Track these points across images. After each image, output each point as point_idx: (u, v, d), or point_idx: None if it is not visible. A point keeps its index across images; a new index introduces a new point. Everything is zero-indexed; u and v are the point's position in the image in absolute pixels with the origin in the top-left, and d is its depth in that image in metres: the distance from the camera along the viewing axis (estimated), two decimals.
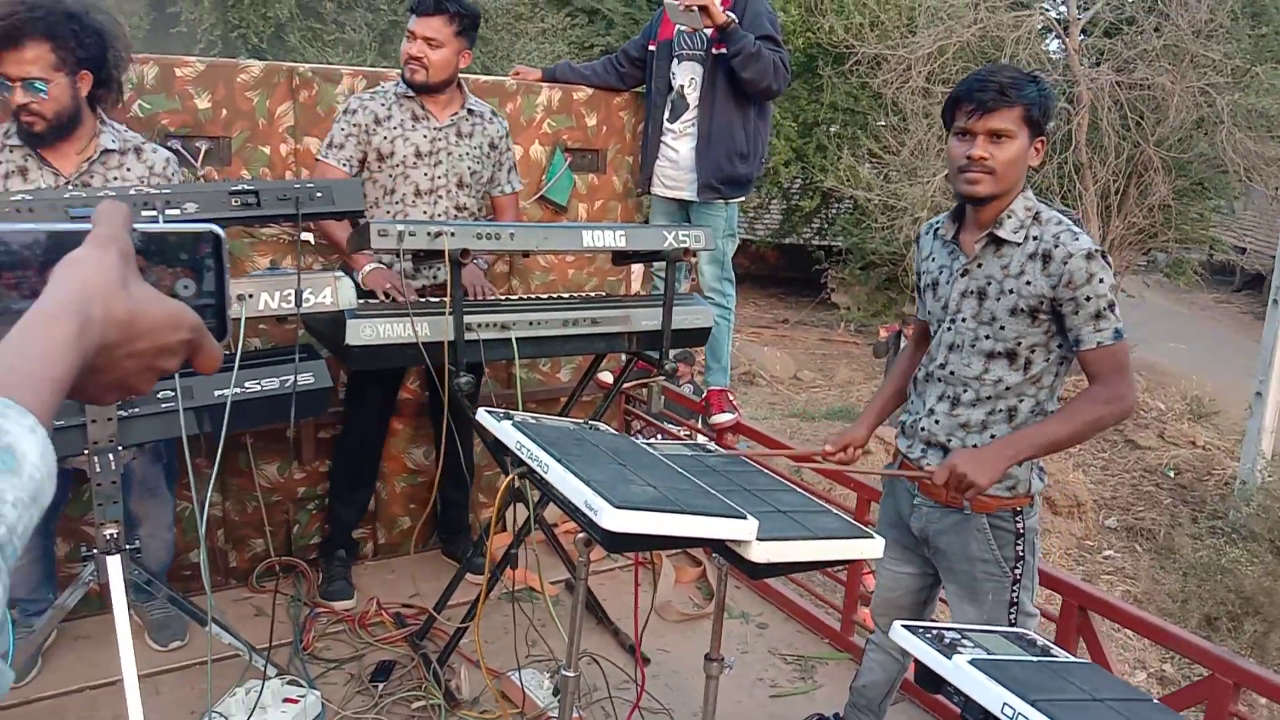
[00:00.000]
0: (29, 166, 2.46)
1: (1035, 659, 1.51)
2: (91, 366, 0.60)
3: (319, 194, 2.03)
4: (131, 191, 1.89)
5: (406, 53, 2.98)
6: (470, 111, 3.14)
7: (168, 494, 2.84)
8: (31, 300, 0.60)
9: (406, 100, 3.05)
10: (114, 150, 2.54)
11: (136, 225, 0.69)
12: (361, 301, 2.50)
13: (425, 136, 3.06)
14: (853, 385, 12.47)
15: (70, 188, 2.43)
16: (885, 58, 11.37)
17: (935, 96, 10.87)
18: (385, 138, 3.02)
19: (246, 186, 1.98)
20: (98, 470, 2.11)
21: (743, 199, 3.75)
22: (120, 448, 2.12)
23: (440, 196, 3.09)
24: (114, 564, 2.12)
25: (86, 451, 2.08)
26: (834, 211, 15.95)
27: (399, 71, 3.11)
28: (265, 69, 3.16)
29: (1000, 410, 2.14)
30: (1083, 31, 11.46)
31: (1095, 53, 11.35)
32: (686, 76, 3.59)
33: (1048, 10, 12.03)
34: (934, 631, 1.50)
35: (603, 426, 2.19)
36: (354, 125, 3.01)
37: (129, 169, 2.56)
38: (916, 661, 1.47)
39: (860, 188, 12.16)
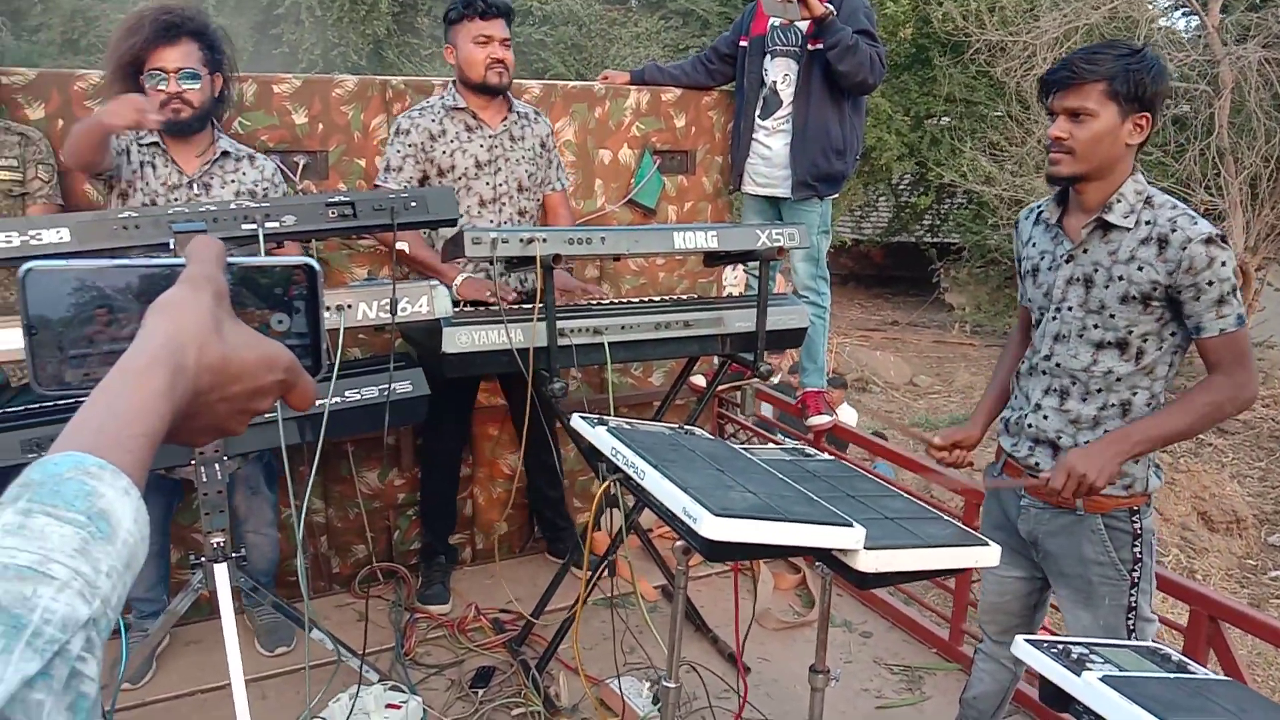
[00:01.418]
0: (156, 162, 2.67)
1: (1171, 675, 1.40)
2: (184, 413, 0.59)
3: (414, 203, 2.04)
4: (232, 206, 1.92)
5: (488, 56, 2.95)
6: (519, 115, 3.13)
7: (268, 492, 2.92)
8: (125, 340, 0.59)
9: (457, 112, 3.04)
10: (230, 155, 2.74)
11: (231, 259, 0.68)
12: (456, 310, 2.51)
13: (482, 146, 3.05)
14: (974, 390, 11.94)
15: (186, 187, 2.65)
16: (1006, 45, 10.96)
17: None
18: (444, 152, 3.01)
19: (343, 198, 2.00)
20: (204, 480, 2.16)
21: (836, 195, 3.66)
22: (225, 458, 2.17)
23: (504, 204, 3.08)
24: (221, 571, 2.17)
25: (193, 462, 2.13)
26: (947, 208, 15.46)
27: (444, 82, 3.15)
28: (359, 83, 3.21)
29: (1113, 404, 2.02)
30: (1223, 8, 10.82)
31: (1239, 29, 10.60)
32: (780, 73, 3.52)
33: None
34: (1059, 646, 1.41)
35: (698, 431, 2.15)
36: (409, 145, 2.99)
37: (244, 173, 2.75)
38: (1041, 678, 1.38)
39: (982, 182, 11.71)
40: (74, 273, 0.66)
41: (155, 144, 2.66)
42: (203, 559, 2.21)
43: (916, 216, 15.75)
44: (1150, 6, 10.62)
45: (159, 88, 2.55)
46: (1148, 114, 1.94)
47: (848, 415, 8.05)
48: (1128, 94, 1.91)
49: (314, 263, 0.72)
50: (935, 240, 15.74)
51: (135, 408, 0.55)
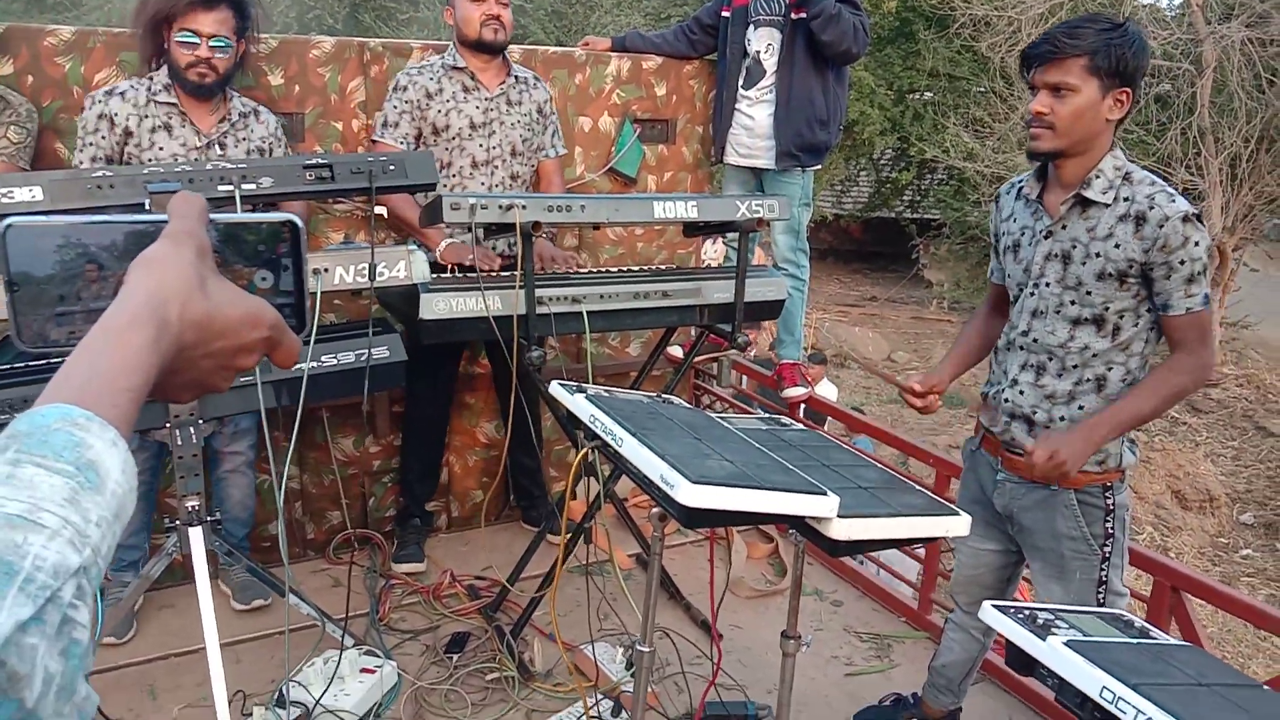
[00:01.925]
0: (173, 123, 2.66)
1: (1134, 640, 1.43)
2: (168, 368, 0.59)
3: (392, 167, 2.02)
4: (208, 167, 1.90)
5: (484, 13, 2.95)
6: (517, 79, 3.12)
7: (252, 430, 2.93)
8: (108, 297, 0.59)
9: (456, 72, 3.04)
10: (244, 113, 2.76)
11: (213, 216, 0.67)
12: (434, 276, 2.50)
13: (478, 108, 3.04)
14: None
15: (205, 149, 2.66)
16: (991, 19, 10.91)
17: None
18: (439, 111, 3.01)
19: (320, 160, 1.98)
20: (179, 443, 2.15)
21: (819, 166, 3.67)
22: (201, 421, 2.16)
23: (496, 167, 3.08)
24: (196, 535, 2.16)
25: (168, 425, 2.12)
26: (928, 183, 15.42)
27: (424, 45, 3.14)
28: (336, 44, 3.17)
29: (1088, 380, 2.05)
30: None
31: (1223, 7, 10.59)
32: (763, 42, 3.51)
33: None
34: (1026, 612, 1.44)
35: (676, 400, 2.16)
36: (406, 101, 3.00)
37: (253, 129, 2.77)
38: (1007, 643, 1.41)
39: (963, 158, 11.67)
40: (56, 229, 0.65)
41: (173, 104, 2.65)
42: (177, 522, 2.20)
43: (897, 192, 15.71)
44: None
45: (189, 49, 2.54)
46: (1128, 89, 1.95)
47: (827, 390, 8.08)
48: (1109, 69, 1.91)
49: (297, 220, 0.71)
50: (915, 216, 15.73)
51: (120, 362, 0.55)
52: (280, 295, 0.71)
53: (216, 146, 2.69)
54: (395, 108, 3.01)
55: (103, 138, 2.61)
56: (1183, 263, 1.92)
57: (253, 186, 1.90)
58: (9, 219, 0.64)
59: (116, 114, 2.61)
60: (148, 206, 1.81)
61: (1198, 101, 10.35)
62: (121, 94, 2.63)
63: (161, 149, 2.64)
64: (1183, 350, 1.98)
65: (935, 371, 2.34)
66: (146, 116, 2.63)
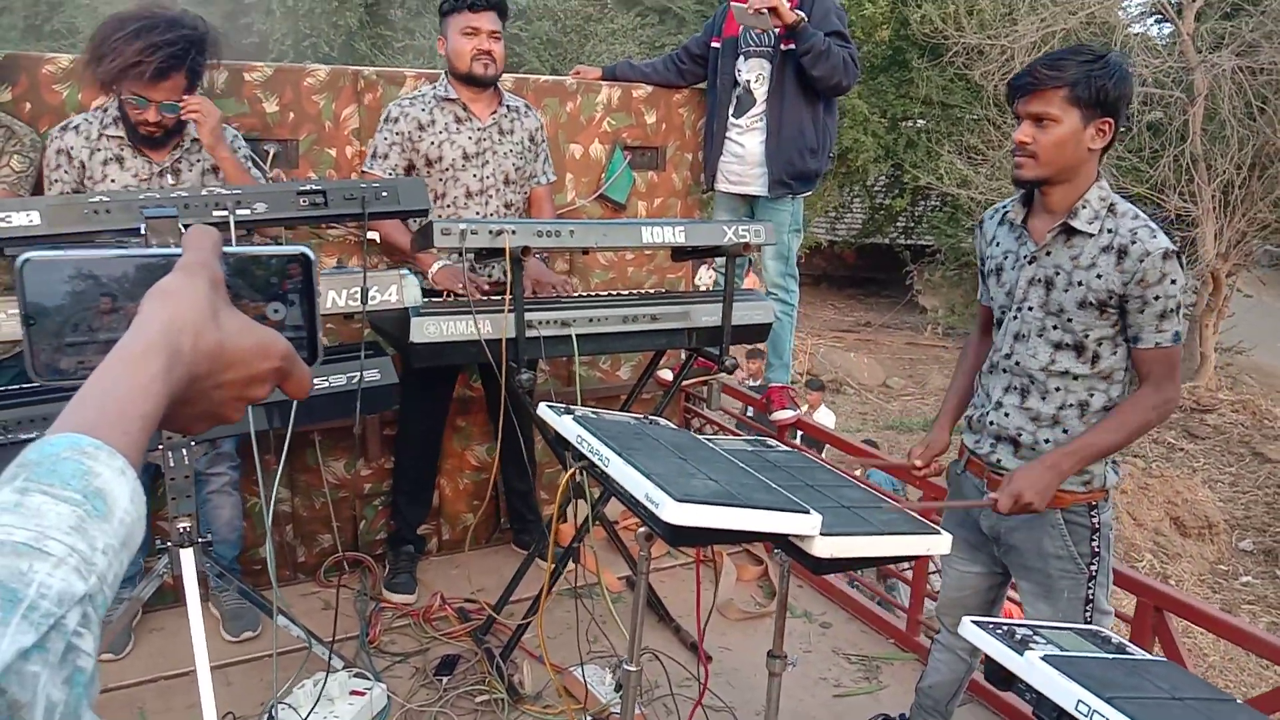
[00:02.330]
0: (124, 155, 2.64)
1: (1110, 655, 1.46)
2: (180, 399, 0.59)
3: (384, 193, 2.06)
4: (204, 192, 1.93)
5: (474, 48, 2.99)
6: (509, 108, 3.16)
7: (231, 450, 2.95)
8: (122, 329, 0.60)
9: (447, 103, 3.07)
10: (198, 139, 2.69)
11: (227, 249, 0.68)
12: (425, 300, 2.53)
13: (470, 138, 3.08)
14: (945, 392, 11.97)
15: (158, 177, 2.63)
16: (984, 48, 11.00)
17: None
18: (432, 143, 3.04)
19: (314, 186, 2.02)
20: (170, 465, 2.17)
21: (810, 193, 3.72)
22: (193, 443, 2.18)
23: (490, 196, 3.11)
24: (187, 557, 2.17)
25: (160, 447, 2.14)
26: (921, 210, 15.52)
27: (418, 74, 3.18)
28: (331, 73, 3.22)
29: (1071, 404, 2.09)
30: (1197, 16, 10.90)
31: (1213, 37, 10.73)
32: (754, 73, 3.57)
33: None
34: (1004, 627, 1.47)
35: (663, 421, 2.19)
36: (397, 134, 3.03)
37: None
38: (986, 658, 1.44)
39: (957, 184, 11.73)
40: (71, 262, 0.66)
41: (121, 137, 2.63)
42: (168, 544, 2.21)
43: (891, 218, 15.84)
44: (1122, 13, 10.69)
45: (138, 110, 2.53)
46: (1110, 119, 2.00)
47: (825, 418, 8.10)
48: (1089, 99, 1.95)
49: (309, 253, 0.72)
50: (909, 242, 15.83)
51: (132, 391, 0.55)
52: (292, 327, 0.72)
53: (169, 175, 2.68)
54: (386, 139, 3.04)
55: (65, 173, 2.62)
56: (1157, 298, 1.96)
57: (247, 212, 1.93)
58: (27, 253, 0.65)
59: (72, 148, 2.61)
60: (143, 231, 1.84)
61: (1190, 129, 10.45)
62: (75, 128, 2.63)
63: (113, 181, 2.63)
64: (1149, 384, 2.03)
65: (932, 435, 2.39)
66: (98, 150, 2.62)
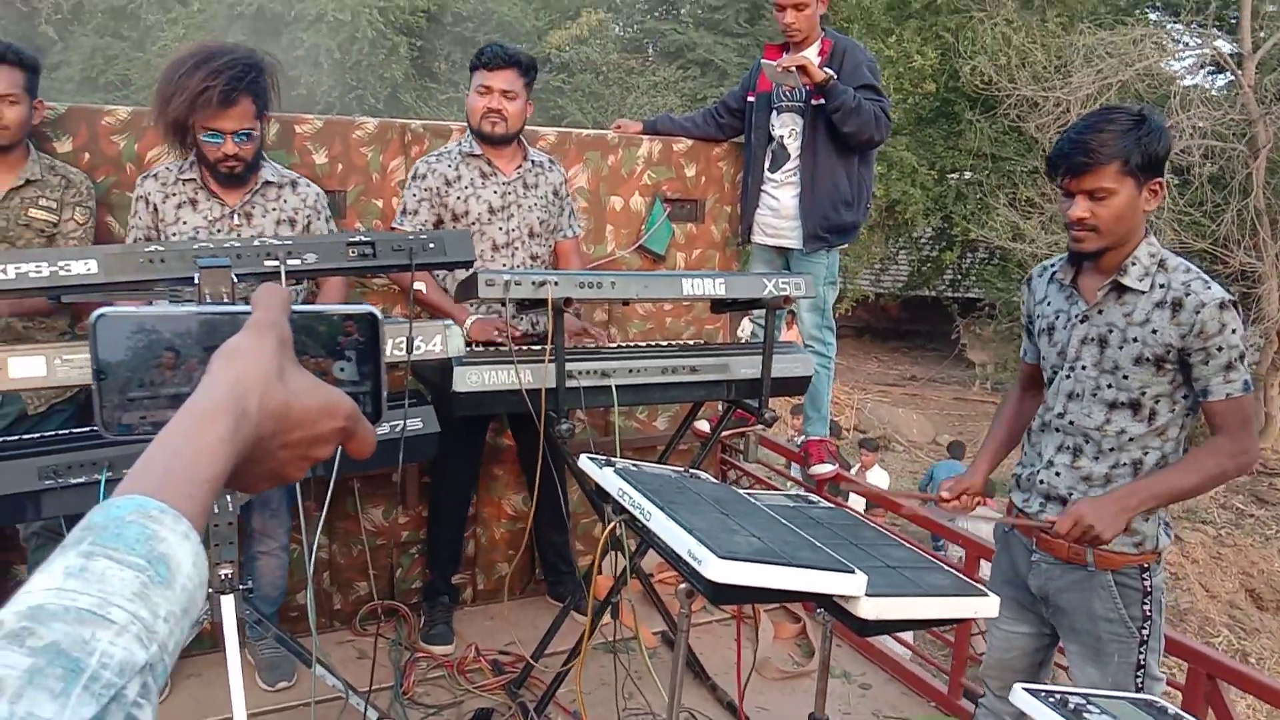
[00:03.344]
0: (198, 198, 2.69)
1: None
2: (246, 458, 0.59)
3: (431, 245, 2.09)
4: (255, 242, 1.97)
5: (484, 106, 3.02)
6: (533, 163, 3.19)
7: (286, 515, 2.94)
8: (190, 385, 0.60)
9: (473, 159, 3.10)
10: (273, 183, 2.76)
11: (295, 307, 0.68)
12: (467, 350, 2.55)
13: (496, 192, 3.11)
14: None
15: (229, 219, 2.67)
16: (1038, 100, 10.91)
17: None
18: (458, 198, 3.07)
19: (363, 238, 2.05)
20: (214, 511, 2.18)
21: (846, 245, 3.72)
22: (237, 490, 2.19)
23: (516, 249, 3.14)
24: (228, 603, 2.18)
25: None
26: (969, 262, 15.36)
27: (462, 127, 3.20)
28: (379, 125, 3.29)
29: (1124, 464, 2.05)
30: (1258, 68, 10.78)
31: (1277, 87, 10.56)
32: (786, 127, 3.60)
33: (1220, 45, 11.32)
34: (1057, 695, 1.42)
35: (703, 475, 2.18)
36: (425, 189, 3.07)
37: (285, 200, 2.77)
38: None
39: (1009, 238, 11.56)
40: (143, 318, 0.67)
41: (194, 180, 2.68)
42: (209, 590, 2.22)
43: (938, 271, 15.59)
44: (1176, 63, 10.56)
45: (215, 147, 2.57)
46: (1160, 178, 1.99)
47: (879, 479, 7.95)
48: (1141, 165, 1.94)
49: (376, 312, 0.73)
50: (956, 295, 15.62)
51: (198, 452, 0.55)
52: (358, 385, 0.72)
53: (241, 217, 2.70)
54: (414, 195, 3.08)
55: (140, 219, 2.69)
56: (1220, 349, 1.93)
57: (297, 262, 1.96)
58: (101, 309, 0.67)
59: (150, 194, 2.67)
60: (197, 281, 1.88)
61: (1253, 183, 10.26)
62: (155, 175, 2.69)
63: (185, 223, 2.66)
64: (1224, 434, 1.99)
65: (968, 473, 2.35)
66: (172, 195, 2.67)
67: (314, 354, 0.71)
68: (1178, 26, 11.85)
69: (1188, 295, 1.95)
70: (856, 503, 7.08)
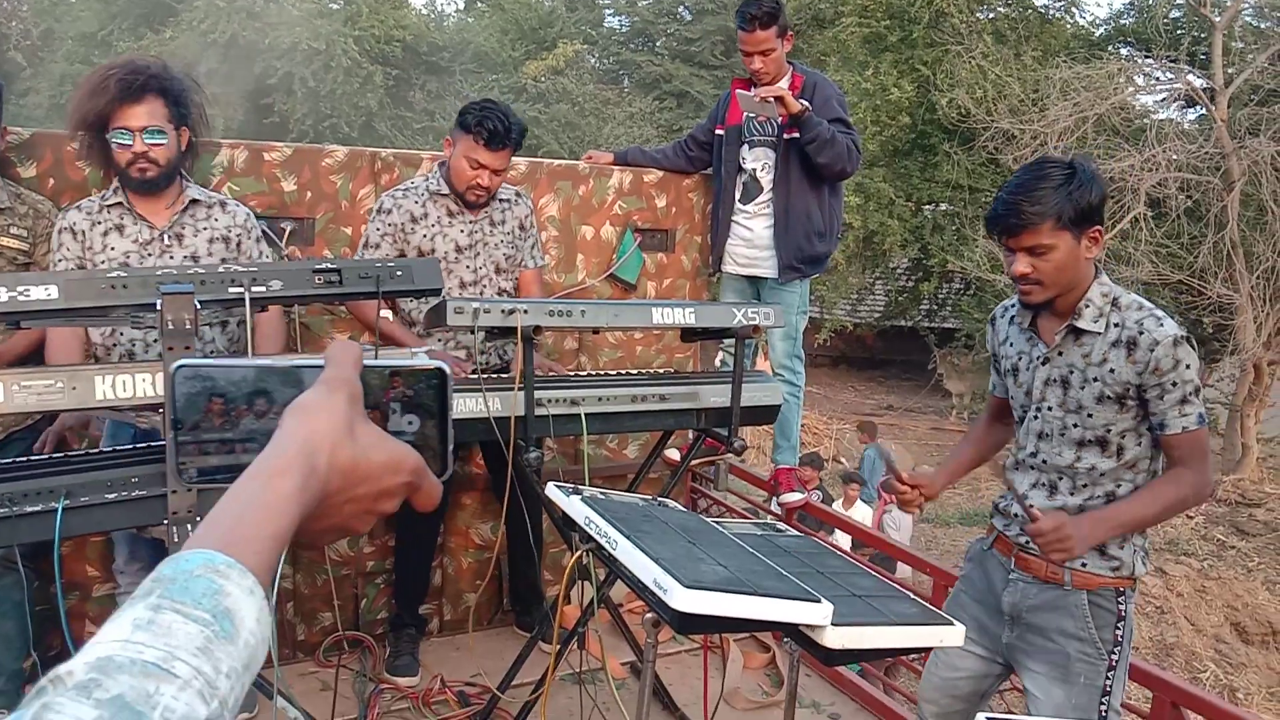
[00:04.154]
0: (124, 223, 2.61)
1: None
2: (312, 514, 0.60)
3: (399, 272, 2.08)
4: (220, 270, 1.95)
5: (474, 179, 2.98)
6: (500, 200, 3.16)
7: None
8: (261, 435, 0.62)
9: (440, 197, 3.07)
10: (201, 201, 2.69)
11: (367, 361, 0.69)
12: None
13: (463, 231, 3.09)
14: (979, 478, 11.39)
15: (159, 241, 2.61)
16: (1014, 134, 11.03)
17: None
18: (425, 235, 3.05)
19: (329, 265, 2.04)
20: (175, 540, 2.15)
21: (818, 274, 3.76)
22: (198, 518, 2.16)
23: (484, 286, 3.13)
24: None
25: (166, 522, 2.12)
26: (945, 293, 15.45)
27: (434, 156, 3.21)
28: (349, 154, 3.28)
29: (1099, 496, 2.10)
30: (1230, 103, 10.91)
31: (1251, 122, 10.68)
32: (759, 161, 3.63)
33: (1193, 79, 11.47)
34: None
35: (671, 503, 2.17)
36: (389, 225, 3.03)
37: (216, 219, 2.70)
38: None
39: (989, 269, 11.60)
40: (219, 370, 0.68)
41: (119, 204, 2.60)
42: None
43: (915, 301, 15.70)
44: (1149, 98, 10.75)
45: (124, 144, 2.50)
46: (1098, 225, 2.04)
47: (862, 514, 7.93)
48: (1076, 218, 1.98)
49: (446, 368, 0.73)
50: (932, 325, 15.73)
51: (267, 508, 0.57)
52: (424, 439, 0.72)
53: (172, 238, 2.63)
54: (378, 229, 3.04)
55: (67, 249, 2.59)
56: (1175, 384, 1.98)
57: (262, 289, 1.95)
58: (180, 359, 0.68)
59: (75, 224, 2.59)
60: (159, 306, 1.86)
61: (1228, 215, 10.34)
62: (78, 206, 2.62)
63: (113, 249, 2.59)
64: (1182, 466, 2.03)
65: (929, 475, 2.36)
66: (99, 222, 2.60)
67: (383, 408, 0.72)
68: (1149, 61, 12.10)
69: (1141, 334, 2.00)
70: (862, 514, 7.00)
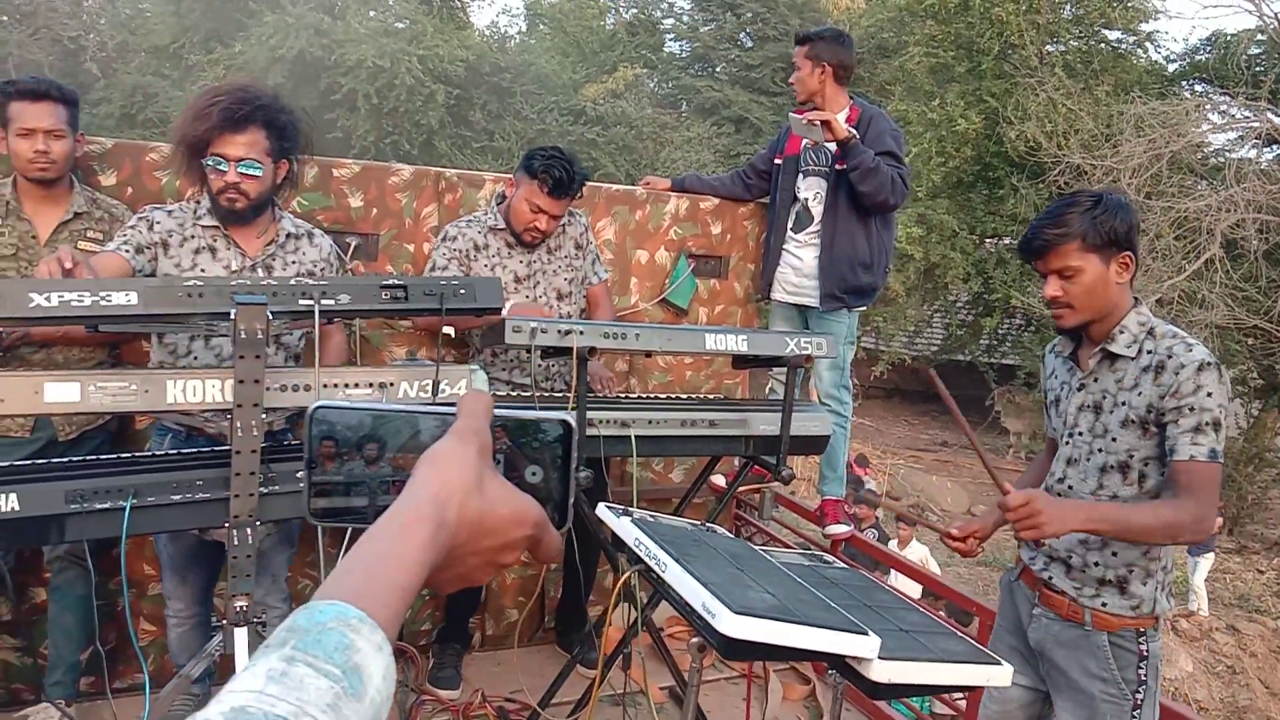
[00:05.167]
0: (217, 246, 2.61)
1: None
2: (438, 564, 0.61)
3: (462, 291, 2.13)
4: (292, 282, 2.02)
5: (532, 222, 3.05)
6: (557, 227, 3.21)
7: (284, 583, 2.90)
8: (390, 478, 0.65)
9: (499, 231, 3.14)
10: (294, 234, 2.70)
11: (497, 410, 0.71)
12: (490, 394, 2.58)
13: (521, 261, 3.16)
14: None
15: (250, 270, 2.61)
16: (1085, 169, 10.86)
17: (1153, 211, 10.13)
18: (485, 265, 3.12)
19: (396, 281, 2.09)
20: (235, 543, 2.20)
21: (865, 307, 3.76)
22: (259, 522, 2.22)
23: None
24: (240, 636, 2.19)
25: (227, 525, 2.18)
26: (1005, 328, 15.05)
27: (496, 178, 3.29)
28: (415, 172, 3.37)
29: None
30: None
31: None
32: (812, 190, 3.66)
33: (1274, 117, 11.15)
34: None
35: (719, 529, 2.18)
36: (455, 250, 3.10)
37: (304, 252, 2.71)
38: None
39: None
40: (356, 413, 0.71)
41: (215, 227, 2.59)
42: (223, 622, 2.23)
43: (975, 335, 15.25)
44: (1223, 137, 10.48)
45: (218, 175, 2.48)
46: (1128, 251, 2.06)
47: (918, 554, 7.80)
48: (1102, 242, 2.03)
49: (572, 421, 0.75)
50: (992, 360, 15.35)
51: (398, 559, 0.58)
52: (547, 491, 0.73)
53: (262, 269, 2.62)
54: (445, 254, 3.10)
55: (136, 231, 2.55)
56: (1191, 409, 1.96)
57: (331, 303, 2.01)
58: (319, 400, 0.71)
59: (159, 223, 2.57)
60: (233, 316, 1.93)
61: None
62: (169, 211, 2.61)
63: (203, 270, 2.57)
64: (1187, 496, 1.94)
65: (979, 518, 2.37)
66: (190, 237, 2.57)
67: (509, 457, 0.73)
68: (1225, 98, 11.83)
69: (1169, 358, 2.01)
70: (911, 587, 6.61)
